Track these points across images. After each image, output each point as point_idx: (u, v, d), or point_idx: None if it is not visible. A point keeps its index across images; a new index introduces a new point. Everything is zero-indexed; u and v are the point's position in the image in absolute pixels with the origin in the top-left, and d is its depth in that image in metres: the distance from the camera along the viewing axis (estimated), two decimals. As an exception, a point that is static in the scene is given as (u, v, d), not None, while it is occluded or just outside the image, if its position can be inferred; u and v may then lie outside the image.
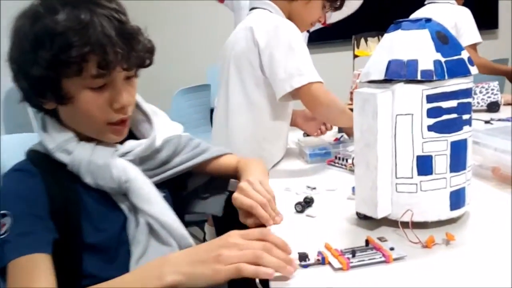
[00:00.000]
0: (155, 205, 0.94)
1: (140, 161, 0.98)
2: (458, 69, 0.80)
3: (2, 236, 0.80)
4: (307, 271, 0.74)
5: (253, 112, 1.50)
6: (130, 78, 0.92)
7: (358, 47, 2.34)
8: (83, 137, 0.93)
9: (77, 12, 0.82)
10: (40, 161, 0.92)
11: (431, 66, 0.79)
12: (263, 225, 0.91)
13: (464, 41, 2.66)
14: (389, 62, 0.82)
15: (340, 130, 1.83)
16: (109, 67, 0.84)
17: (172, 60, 3.40)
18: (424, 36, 0.81)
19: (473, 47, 2.70)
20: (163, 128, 1.05)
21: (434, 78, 0.78)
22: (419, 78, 0.79)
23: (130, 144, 0.97)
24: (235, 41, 1.55)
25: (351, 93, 1.92)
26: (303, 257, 0.75)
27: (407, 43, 0.82)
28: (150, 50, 0.93)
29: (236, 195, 0.95)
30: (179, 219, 0.98)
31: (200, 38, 3.67)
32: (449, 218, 0.85)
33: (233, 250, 0.72)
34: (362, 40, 2.27)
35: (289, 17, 1.53)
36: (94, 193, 0.93)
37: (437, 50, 0.80)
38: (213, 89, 3.53)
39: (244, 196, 0.94)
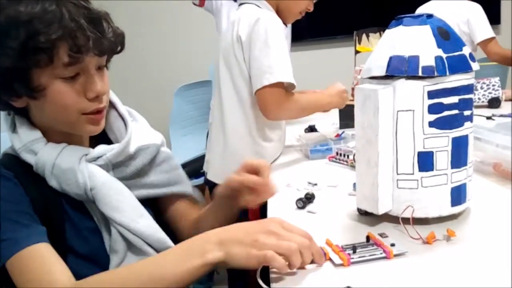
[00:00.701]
0: (124, 212, 0.88)
1: (113, 167, 0.93)
2: (459, 65, 0.80)
3: None
4: (307, 267, 0.74)
5: (245, 108, 1.50)
6: (102, 68, 0.89)
7: (359, 43, 2.33)
8: (55, 138, 0.89)
9: (41, 0, 0.80)
10: (13, 164, 0.88)
11: (432, 62, 0.79)
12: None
13: (480, 36, 2.66)
14: (390, 58, 0.82)
15: (342, 126, 1.83)
16: (81, 52, 0.81)
17: (174, 57, 3.40)
18: (425, 32, 0.81)
19: (492, 40, 2.70)
20: (140, 134, 1.00)
21: (436, 74, 0.78)
22: (420, 74, 0.79)
23: (101, 148, 0.92)
24: (222, 38, 1.56)
25: (353, 89, 1.91)
26: None
27: (408, 39, 0.82)
28: (120, 36, 0.90)
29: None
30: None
31: (202, 34, 3.67)
32: (450, 214, 0.85)
33: (271, 238, 0.71)
34: (364, 36, 2.27)
35: (278, 9, 1.54)
36: (70, 197, 0.88)
37: (439, 46, 0.80)
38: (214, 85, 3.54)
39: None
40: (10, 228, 0.79)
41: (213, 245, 0.71)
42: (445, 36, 0.81)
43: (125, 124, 0.98)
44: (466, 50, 0.83)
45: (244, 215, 1.28)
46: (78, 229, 0.88)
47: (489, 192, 1.03)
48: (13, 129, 0.91)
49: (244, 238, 0.71)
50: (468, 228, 0.85)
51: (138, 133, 0.99)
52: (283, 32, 1.46)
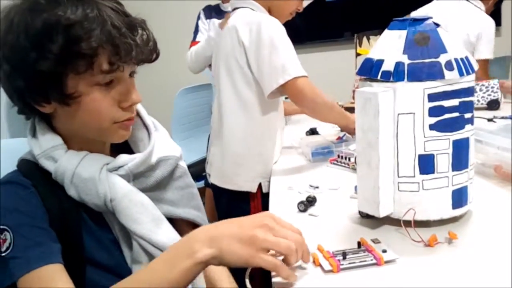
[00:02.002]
0: (144, 224, 0.86)
1: (134, 177, 0.89)
2: (424, 72, 0.80)
3: (4, 253, 0.75)
4: (297, 273, 0.74)
5: (245, 111, 1.52)
6: (132, 76, 0.87)
7: (360, 46, 2.34)
8: (76, 146, 0.87)
9: (81, 5, 0.77)
10: (31, 171, 0.86)
11: (392, 68, 0.81)
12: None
13: (481, 54, 2.63)
14: (364, 60, 0.85)
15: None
16: (123, 61, 0.79)
17: (175, 59, 3.39)
18: (398, 37, 0.83)
19: (486, 62, 2.67)
20: (161, 145, 0.96)
21: (391, 79, 0.80)
22: (379, 78, 0.81)
23: (123, 158, 0.89)
24: (221, 42, 1.58)
25: (354, 91, 1.92)
26: None
27: (382, 43, 0.85)
28: (156, 43, 0.88)
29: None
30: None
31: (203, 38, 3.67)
32: (452, 216, 0.85)
33: (268, 234, 0.69)
34: (365, 39, 2.27)
35: (269, 11, 1.56)
36: (88, 208, 0.86)
37: (405, 52, 0.81)
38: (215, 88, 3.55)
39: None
40: (23, 245, 0.76)
41: (201, 243, 0.69)
42: (422, 42, 0.81)
43: (149, 134, 0.95)
44: (443, 58, 0.81)
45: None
46: (98, 240, 0.86)
47: (490, 194, 1.03)
48: (33, 134, 0.88)
49: (239, 233, 0.69)
50: (469, 230, 0.85)
51: (159, 144, 0.96)
52: (285, 31, 1.48)
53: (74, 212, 0.84)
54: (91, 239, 0.85)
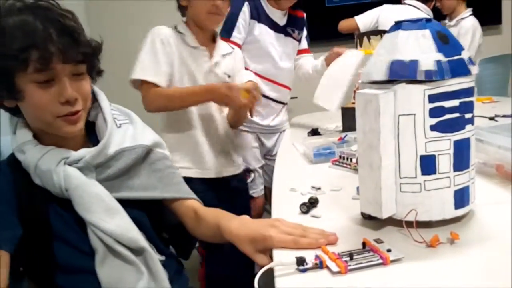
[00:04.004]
0: (95, 213, 0.96)
1: (96, 168, 1.01)
2: (458, 69, 0.81)
3: None
4: (305, 275, 0.74)
5: None
6: (80, 75, 0.98)
7: (361, 46, 2.33)
8: (47, 140, 1.00)
9: (26, 15, 0.91)
10: (14, 160, 1.00)
11: (432, 66, 0.79)
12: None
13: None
14: (391, 63, 0.82)
15: (345, 129, 1.84)
16: (48, 60, 0.91)
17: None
18: (425, 36, 0.82)
19: None
20: (130, 136, 1.08)
21: (435, 78, 0.79)
22: (421, 78, 0.79)
23: (82, 151, 1.00)
24: None
25: (355, 92, 1.92)
26: (300, 261, 0.75)
27: (408, 43, 0.82)
28: (94, 48, 1.01)
29: (273, 234, 0.86)
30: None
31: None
32: (454, 217, 0.85)
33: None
34: (365, 39, 2.27)
35: (194, 21, 1.74)
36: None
37: (439, 50, 0.80)
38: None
39: (282, 233, 0.86)
40: None
41: None
42: (444, 40, 0.82)
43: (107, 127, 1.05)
44: (465, 54, 0.83)
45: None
46: (65, 221, 0.97)
47: (492, 194, 1.03)
48: (14, 131, 1.03)
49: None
50: (472, 230, 0.85)
51: (128, 135, 1.07)
52: (163, 39, 1.67)
53: (41, 196, 0.97)
54: (60, 221, 0.97)
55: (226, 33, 2.04)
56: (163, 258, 1.06)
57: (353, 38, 2.51)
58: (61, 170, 0.96)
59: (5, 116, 1.05)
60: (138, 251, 0.99)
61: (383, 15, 2.59)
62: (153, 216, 1.09)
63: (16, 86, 0.93)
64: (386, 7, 2.66)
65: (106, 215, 0.97)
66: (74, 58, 0.95)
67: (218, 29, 1.87)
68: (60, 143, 1.01)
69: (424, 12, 2.59)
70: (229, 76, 1.81)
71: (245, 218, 0.96)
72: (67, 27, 0.94)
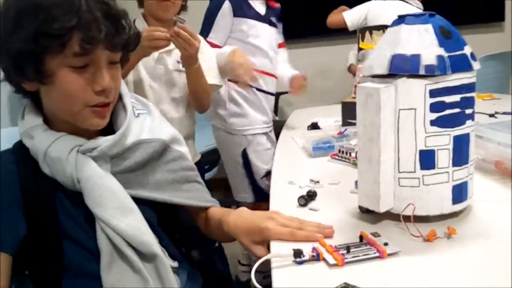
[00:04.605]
0: (107, 209, 0.87)
1: (111, 159, 0.92)
2: (460, 64, 0.80)
3: None
4: (302, 267, 0.75)
5: None
6: (115, 64, 0.90)
7: (363, 40, 2.33)
8: (61, 127, 0.91)
9: None
10: (20, 149, 0.92)
11: (434, 61, 0.79)
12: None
13: None
14: (393, 57, 0.82)
15: (344, 123, 1.84)
16: (92, 44, 0.83)
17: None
18: (427, 31, 0.81)
19: None
20: (148, 128, 0.99)
21: (437, 73, 0.79)
22: (422, 73, 0.79)
23: (98, 140, 0.91)
24: None
25: (355, 86, 1.92)
26: (297, 253, 0.75)
27: (410, 38, 0.82)
28: (135, 35, 0.93)
29: (270, 226, 0.86)
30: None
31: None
32: (451, 212, 0.86)
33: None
34: (367, 34, 2.26)
35: (148, 10, 1.69)
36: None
37: (440, 45, 0.80)
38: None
39: (279, 225, 0.86)
40: None
41: None
42: (447, 35, 0.82)
43: (127, 116, 0.96)
44: (467, 50, 0.83)
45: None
46: (73, 219, 0.89)
47: (490, 190, 1.03)
48: (23, 115, 0.94)
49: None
50: (469, 226, 0.85)
51: (145, 126, 0.99)
52: None
53: (49, 188, 0.89)
54: (67, 217, 0.89)
55: (205, 33, 2.00)
56: (175, 264, 0.97)
57: (355, 32, 2.50)
58: (73, 158, 0.88)
59: (4, 109, 1.02)
60: (149, 257, 0.90)
61: (372, 12, 2.57)
62: (165, 217, 1.00)
63: (46, 68, 0.84)
64: (374, 2, 2.64)
65: (119, 212, 0.88)
66: (118, 45, 0.88)
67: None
68: (72, 130, 0.91)
69: (414, 5, 2.56)
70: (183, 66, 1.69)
71: (243, 210, 0.96)
72: (113, 11, 0.86)
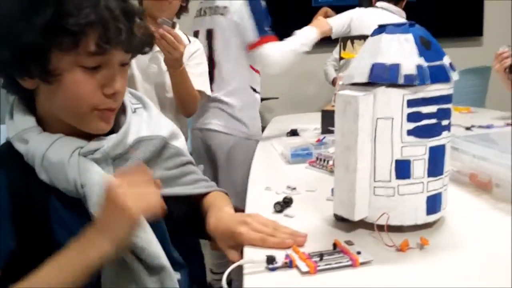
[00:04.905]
0: None
1: (113, 161, 0.86)
2: (439, 74, 0.81)
3: None
4: (274, 274, 0.74)
5: None
6: (125, 65, 0.85)
7: (344, 49, 2.35)
8: (56, 129, 0.84)
9: None
10: (8, 153, 0.83)
11: (413, 71, 0.79)
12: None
13: None
14: (373, 66, 0.82)
15: (324, 131, 1.84)
16: (110, 44, 0.76)
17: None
18: (407, 40, 0.82)
19: None
20: (146, 124, 0.93)
21: (416, 83, 0.79)
22: (401, 82, 0.79)
23: (100, 140, 0.85)
24: None
25: (335, 94, 1.92)
26: (270, 260, 0.74)
27: (390, 47, 0.82)
28: (150, 36, 0.87)
29: (243, 231, 0.84)
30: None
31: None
32: (425, 222, 0.86)
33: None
34: (349, 43, 2.28)
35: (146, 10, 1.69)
36: (62, 193, 0.82)
37: (420, 54, 0.81)
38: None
39: (252, 230, 0.84)
40: None
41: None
42: (426, 45, 0.82)
43: (125, 113, 0.91)
44: (446, 60, 0.83)
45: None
46: (69, 228, 0.80)
47: (464, 202, 1.04)
48: (11, 116, 0.86)
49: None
50: (441, 237, 0.85)
51: (143, 122, 0.93)
52: None
53: (42, 198, 0.81)
54: (62, 227, 0.81)
55: (262, 31, 1.84)
56: (179, 276, 0.90)
57: (336, 41, 2.51)
58: (76, 162, 0.80)
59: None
60: (155, 270, 0.83)
61: (356, 20, 2.59)
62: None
63: (54, 66, 0.76)
64: (357, 11, 2.66)
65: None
66: (134, 46, 0.82)
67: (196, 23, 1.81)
68: (68, 131, 0.84)
69: (397, 14, 2.59)
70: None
71: (224, 212, 0.92)
72: (130, 9, 0.81)
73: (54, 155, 0.80)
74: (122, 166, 0.86)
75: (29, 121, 0.84)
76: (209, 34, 1.97)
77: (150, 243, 0.82)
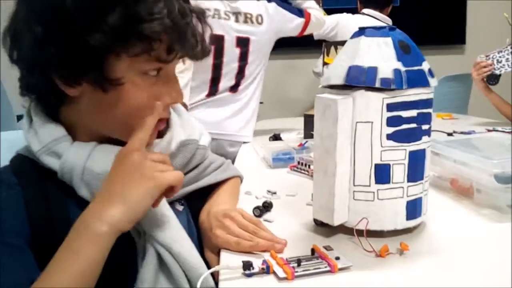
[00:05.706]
0: (168, 230, 0.74)
1: None
2: (417, 79, 0.80)
3: None
4: (251, 280, 0.72)
5: None
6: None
7: (328, 55, 2.34)
8: (80, 133, 0.75)
9: None
10: (23, 168, 0.74)
11: (390, 75, 0.78)
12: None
13: None
14: (350, 68, 0.81)
15: (306, 136, 1.83)
16: (185, 51, 0.71)
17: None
18: (386, 44, 0.81)
19: None
20: (181, 128, 0.86)
21: (392, 86, 0.78)
22: (377, 85, 0.78)
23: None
24: None
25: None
26: (247, 265, 0.73)
27: (368, 50, 0.81)
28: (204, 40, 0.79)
29: (219, 234, 0.82)
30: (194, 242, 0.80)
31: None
32: (405, 227, 0.85)
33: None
34: (332, 48, 2.28)
35: None
36: None
37: (398, 59, 0.80)
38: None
39: (229, 233, 0.82)
40: None
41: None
42: (406, 49, 0.81)
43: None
44: (425, 65, 0.83)
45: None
46: None
47: (445, 207, 1.04)
48: (29, 125, 0.75)
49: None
50: (421, 242, 0.84)
51: (178, 126, 0.86)
52: None
53: (65, 222, 0.69)
54: None
55: (300, 11, 2.03)
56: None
57: (320, 46, 2.51)
58: None
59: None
60: (194, 280, 0.75)
61: (342, 25, 2.60)
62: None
63: (114, 72, 0.68)
64: (344, 16, 2.67)
65: (178, 234, 0.76)
66: (199, 54, 0.75)
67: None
68: (97, 138, 0.76)
69: (382, 21, 2.61)
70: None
71: (214, 209, 0.88)
72: (197, 10, 0.74)
73: (97, 165, 0.71)
74: None
75: (57, 130, 0.74)
76: (244, 43, 1.93)
77: (192, 255, 0.76)
